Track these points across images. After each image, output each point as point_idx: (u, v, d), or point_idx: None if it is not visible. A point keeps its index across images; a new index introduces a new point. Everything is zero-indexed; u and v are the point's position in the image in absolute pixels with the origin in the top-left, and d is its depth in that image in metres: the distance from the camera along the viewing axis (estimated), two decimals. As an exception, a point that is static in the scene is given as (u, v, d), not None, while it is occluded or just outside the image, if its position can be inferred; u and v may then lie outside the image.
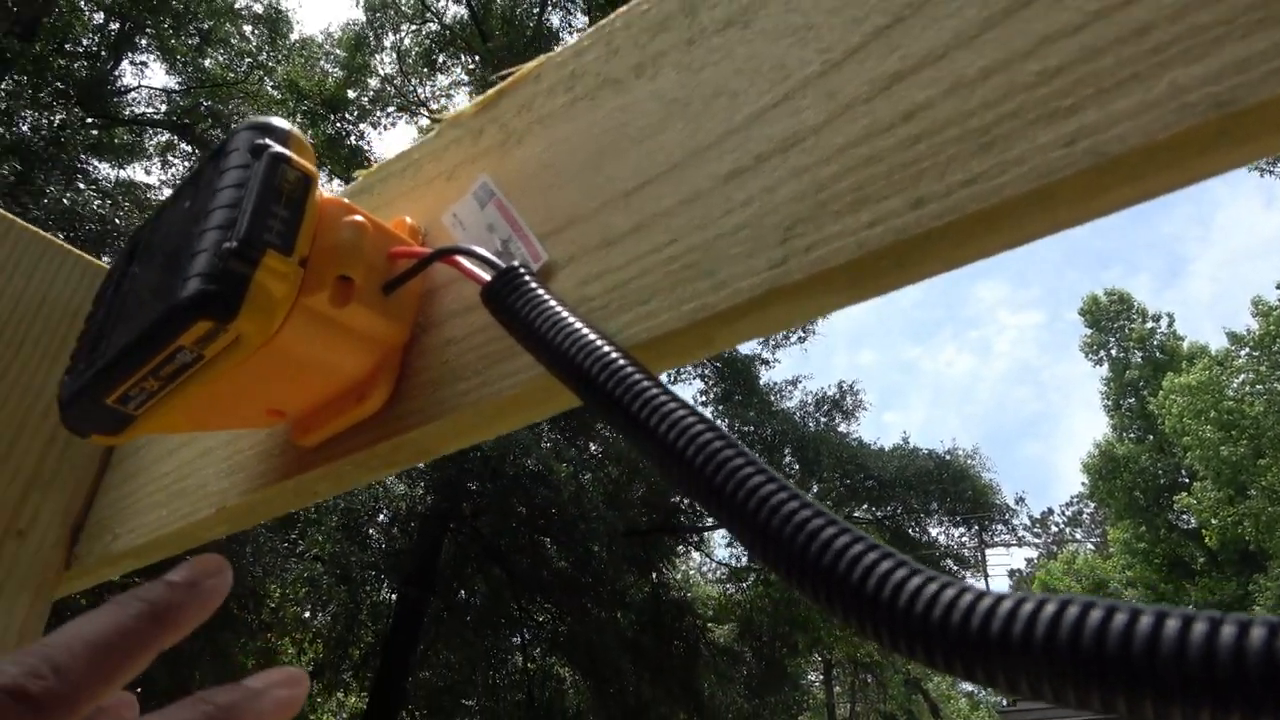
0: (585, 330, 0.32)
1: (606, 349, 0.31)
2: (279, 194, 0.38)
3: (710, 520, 13.04)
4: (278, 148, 0.39)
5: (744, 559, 14.41)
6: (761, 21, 0.35)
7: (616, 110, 0.40)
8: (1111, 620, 0.18)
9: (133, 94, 10.39)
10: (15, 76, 7.89)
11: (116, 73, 10.10)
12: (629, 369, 0.30)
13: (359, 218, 0.41)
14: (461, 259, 0.39)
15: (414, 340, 0.44)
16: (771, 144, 0.33)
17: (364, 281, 0.41)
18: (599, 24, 0.43)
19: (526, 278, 0.35)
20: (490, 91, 0.48)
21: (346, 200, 0.42)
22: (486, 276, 0.37)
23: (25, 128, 7.50)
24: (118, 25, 9.98)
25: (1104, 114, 0.25)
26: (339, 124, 11.06)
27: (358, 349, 0.42)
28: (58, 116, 7.68)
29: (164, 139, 10.68)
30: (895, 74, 0.30)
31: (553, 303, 0.34)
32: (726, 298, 0.31)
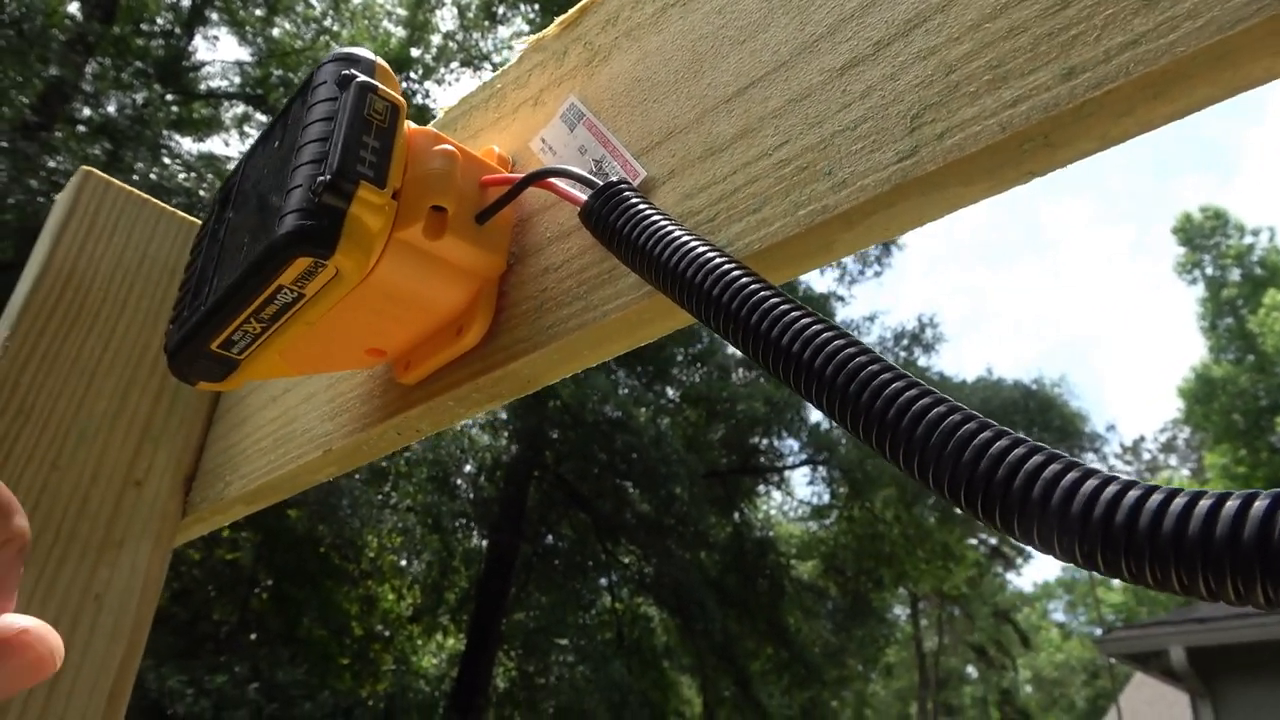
0: (695, 242, 0.30)
1: (719, 260, 0.29)
2: (368, 124, 0.36)
3: (790, 459, 13.02)
4: (364, 77, 0.37)
5: (826, 497, 14.35)
6: (870, -105, 0.32)
7: (712, 13, 0.37)
8: None
9: (207, 68, 10.62)
10: (99, 59, 8.15)
11: (191, 48, 10.33)
12: (746, 280, 0.28)
13: (449, 146, 0.40)
14: (556, 180, 0.37)
15: (510, 270, 0.43)
16: (891, 28, 0.30)
17: (457, 212, 0.40)
18: None
19: (627, 193, 0.34)
20: (573, 10, 0.45)
21: (435, 130, 0.41)
22: (583, 197, 0.36)
23: (111, 108, 7.77)
24: (189, 1, 10.18)
25: (1300, -53, 0.21)
26: (405, 83, 11.12)
27: (454, 281, 0.41)
28: (140, 95, 7.92)
29: (239, 111, 10.92)
30: (1034, -67, 0.27)
31: (657, 216, 0.32)
32: (848, 197, 0.29)
